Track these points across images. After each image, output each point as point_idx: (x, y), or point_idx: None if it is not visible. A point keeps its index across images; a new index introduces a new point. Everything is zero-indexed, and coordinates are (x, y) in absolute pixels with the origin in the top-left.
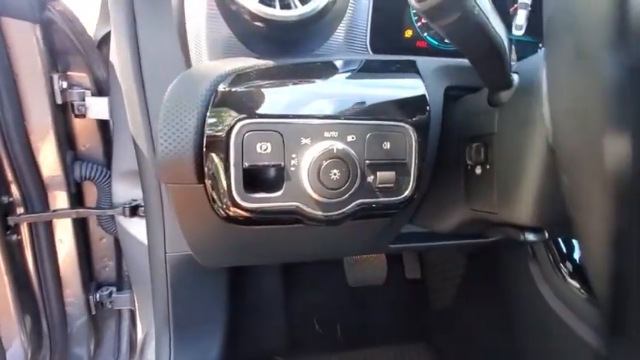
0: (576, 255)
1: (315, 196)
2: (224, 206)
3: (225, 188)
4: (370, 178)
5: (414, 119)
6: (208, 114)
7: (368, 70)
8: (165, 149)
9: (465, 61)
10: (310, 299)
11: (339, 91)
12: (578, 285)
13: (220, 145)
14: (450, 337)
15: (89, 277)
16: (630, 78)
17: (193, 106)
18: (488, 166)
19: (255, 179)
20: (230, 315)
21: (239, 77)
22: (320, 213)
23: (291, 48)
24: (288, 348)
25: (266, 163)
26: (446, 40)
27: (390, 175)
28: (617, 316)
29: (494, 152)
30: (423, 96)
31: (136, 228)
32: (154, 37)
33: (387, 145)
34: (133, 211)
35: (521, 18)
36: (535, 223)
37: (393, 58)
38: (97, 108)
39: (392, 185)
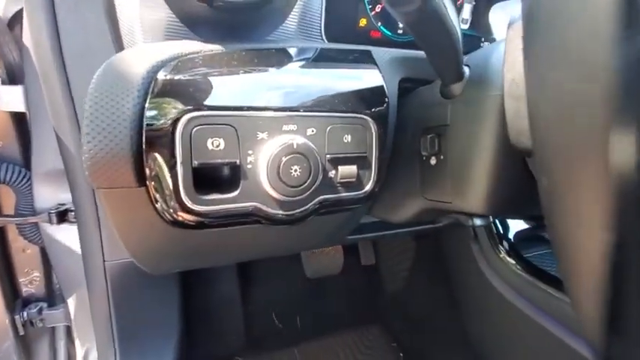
0: (511, 235)
1: (275, 194)
2: (171, 210)
3: (172, 190)
4: (332, 173)
5: (374, 111)
6: (147, 105)
7: (325, 59)
8: (95, 148)
9: (418, 53)
10: (268, 294)
11: (296, 81)
12: (514, 262)
13: (164, 141)
14: (404, 319)
15: (13, 294)
16: (636, 69)
17: (128, 96)
18: (442, 157)
19: (206, 179)
20: (184, 320)
21: (183, 63)
22: (280, 212)
23: (240, 33)
24: (248, 346)
25: (219, 160)
26: (399, 31)
27: (351, 169)
28: (612, 325)
29: (448, 143)
30: (382, 87)
31: (66, 235)
32: (76, 15)
33: (347, 139)
34: (61, 216)
35: (466, 12)
36: (486, 211)
37: (349, 48)
38: (9, 98)
39: (354, 180)
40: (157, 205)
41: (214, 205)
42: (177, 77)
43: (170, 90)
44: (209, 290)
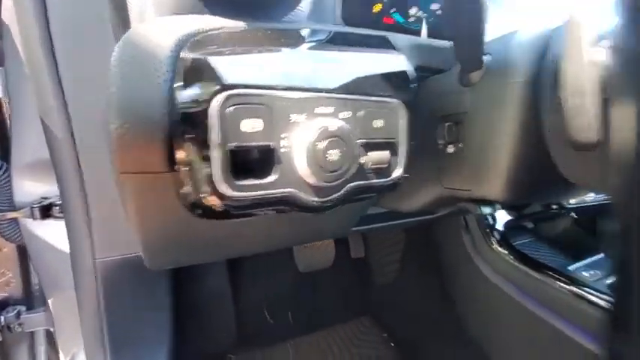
0: (499, 226)
1: (312, 180)
2: (202, 197)
3: (205, 176)
4: (364, 159)
5: (403, 96)
6: (178, 83)
7: (354, 42)
8: (124, 126)
9: (432, 41)
10: (259, 290)
11: (329, 62)
12: (505, 251)
13: (197, 122)
14: (395, 310)
15: None
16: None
17: (159, 70)
18: (460, 145)
19: (237, 163)
20: (176, 320)
21: (208, 39)
22: (315, 199)
23: (255, 12)
24: (240, 343)
25: (254, 143)
26: (410, 19)
27: (383, 154)
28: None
29: (467, 131)
30: (410, 72)
31: (49, 231)
32: None
33: (378, 124)
34: (45, 211)
35: None
36: (505, 198)
37: (374, 32)
38: None
39: (385, 166)
40: (185, 192)
41: (250, 191)
42: (207, 53)
43: (202, 66)
44: (199, 287)
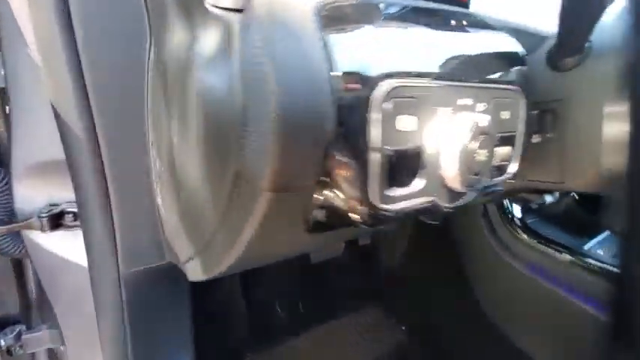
0: (517, 212)
1: (456, 185)
2: (352, 212)
3: (358, 186)
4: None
5: (523, 84)
6: (331, 74)
7: (468, 22)
8: (291, 135)
9: (510, 22)
10: (268, 286)
11: (464, 47)
12: (525, 235)
13: (355, 122)
14: (407, 296)
15: None
16: None
17: (316, 55)
18: (548, 135)
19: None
20: (196, 326)
21: (335, 12)
22: (447, 205)
23: None
24: (256, 341)
25: (409, 145)
26: None
27: (508, 150)
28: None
29: (561, 120)
30: (524, 54)
31: (55, 241)
32: None
33: (505, 115)
34: (56, 220)
35: None
36: (605, 189)
37: (465, 10)
38: None
39: (508, 162)
40: (324, 205)
41: (397, 202)
42: (346, 30)
43: (355, 48)
44: (210, 290)
